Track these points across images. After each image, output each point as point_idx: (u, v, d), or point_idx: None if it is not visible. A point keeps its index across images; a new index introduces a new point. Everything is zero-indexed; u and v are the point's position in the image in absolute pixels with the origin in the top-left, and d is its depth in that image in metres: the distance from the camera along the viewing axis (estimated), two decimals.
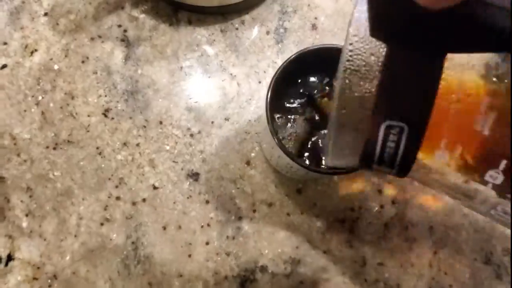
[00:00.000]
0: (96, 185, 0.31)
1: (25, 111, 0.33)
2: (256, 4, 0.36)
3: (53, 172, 0.32)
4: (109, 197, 0.31)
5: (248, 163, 0.32)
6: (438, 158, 0.15)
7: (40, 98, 0.33)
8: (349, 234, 0.31)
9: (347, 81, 0.16)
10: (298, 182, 0.32)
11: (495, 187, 0.15)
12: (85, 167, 0.32)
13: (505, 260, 0.31)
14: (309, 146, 0.27)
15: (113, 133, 0.32)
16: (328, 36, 0.35)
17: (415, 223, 0.32)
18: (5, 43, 0.34)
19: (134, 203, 0.31)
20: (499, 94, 0.15)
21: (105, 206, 0.31)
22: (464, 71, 0.15)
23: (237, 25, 0.35)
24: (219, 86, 0.34)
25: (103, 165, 0.32)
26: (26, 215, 0.31)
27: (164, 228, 0.31)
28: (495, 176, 0.14)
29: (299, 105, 0.28)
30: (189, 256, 0.30)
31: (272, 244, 0.31)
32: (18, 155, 0.32)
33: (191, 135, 0.33)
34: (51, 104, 0.33)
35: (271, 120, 0.24)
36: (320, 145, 0.27)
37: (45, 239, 0.30)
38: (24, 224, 0.31)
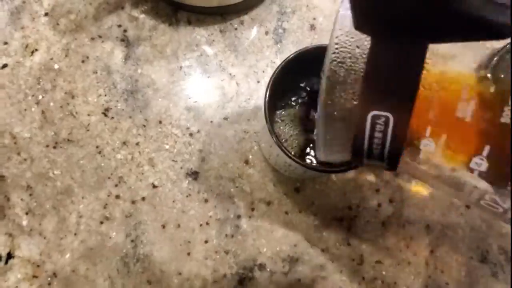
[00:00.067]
0: (95, 183, 0.32)
1: (25, 110, 0.33)
2: (255, 4, 0.36)
3: (53, 171, 0.32)
4: (108, 195, 0.31)
5: (246, 162, 0.32)
6: (424, 147, 0.16)
7: (40, 97, 0.33)
8: (347, 232, 0.31)
9: (333, 73, 0.16)
10: (296, 181, 0.32)
11: (481, 175, 0.15)
12: (85, 166, 0.32)
13: (501, 259, 0.31)
14: (307, 145, 0.28)
15: (113, 132, 0.33)
16: (327, 37, 0.35)
17: (412, 221, 0.32)
18: (5, 43, 0.34)
19: (133, 202, 0.31)
20: (481, 81, 0.15)
21: (104, 205, 0.31)
22: (446, 61, 0.16)
23: (236, 25, 0.36)
24: (218, 85, 0.34)
25: (102, 164, 0.32)
26: (26, 214, 0.31)
27: (163, 226, 0.31)
28: (480, 163, 0.15)
29: (297, 104, 0.28)
30: (188, 254, 0.30)
31: (270, 242, 0.31)
32: (18, 153, 0.32)
33: (190, 134, 0.33)
34: (51, 103, 0.33)
35: (269, 119, 0.24)
36: None
37: (45, 237, 0.30)
38: (24, 223, 0.31)
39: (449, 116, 0.15)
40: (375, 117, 0.16)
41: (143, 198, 0.31)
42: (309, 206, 0.32)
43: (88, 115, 0.33)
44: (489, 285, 0.31)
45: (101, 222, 0.31)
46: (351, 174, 0.33)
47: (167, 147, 0.33)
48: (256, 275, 0.30)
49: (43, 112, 0.33)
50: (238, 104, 0.34)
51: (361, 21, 0.15)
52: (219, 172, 0.32)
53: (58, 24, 0.35)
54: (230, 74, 0.34)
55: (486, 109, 0.15)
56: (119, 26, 0.35)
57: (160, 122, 0.33)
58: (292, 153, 0.26)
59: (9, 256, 0.30)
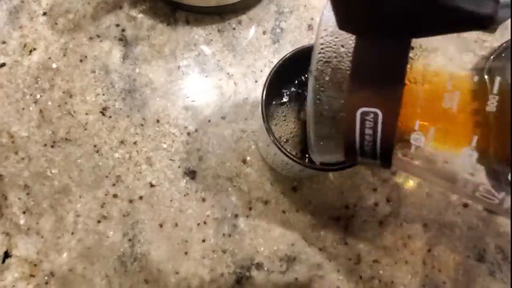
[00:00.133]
0: (93, 183, 0.32)
1: (23, 109, 0.33)
2: (253, 4, 0.36)
3: (50, 170, 0.32)
4: (106, 194, 0.31)
5: (244, 161, 0.32)
6: (414, 141, 0.16)
7: (38, 96, 0.33)
8: (344, 231, 0.32)
9: (320, 72, 0.17)
10: (293, 180, 0.32)
11: (473, 165, 0.15)
12: (83, 165, 0.32)
13: (498, 258, 0.31)
14: (304, 143, 0.28)
15: (111, 131, 0.33)
16: None
17: (409, 220, 0.32)
18: (4, 42, 0.34)
19: (131, 201, 0.31)
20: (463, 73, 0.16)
21: (102, 204, 0.31)
22: (429, 54, 0.16)
23: (234, 25, 0.36)
24: (216, 85, 0.34)
25: (100, 163, 0.32)
26: (24, 213, 0.31)
27: (161, 225, 0.31)
28: (470, 153, 0.15)
29: (294, 103, 0.28)
30: (186, 253, 0.30)
31: (267, 241, 0.31)
32: (16, 153, 0.32)
33: (188, 134, 0.33)
34: (49, 103, 0.33)
35: (266, 118, 0.24)
36: None
37: (42, 237, 0.30)
38: (22, 222, 0.31)
39: (436, 108, 0.15)
40: (364, 114, 0.16)
41: (141, 197, 0.31)
42: (306, 205, 0.32)
43: (86, 114, 0.33)
44: (486, 284, 0.31)
45: (99, 221, 0.31)
46: (348, 173, 0.33)
47: (164, 146, 0.33)
48: (253, 274, 0.30)
49: (41, 111, 0.33)
50: (236, 103, 0.34)
51: (344, 21, 0.15)
52: (216, 171, 0.32)
53: (56, 23, 0.35)
54: (228, 73, 0.35)
55: (471, 99, 0.15)
56: (117, 25, 0.35)
57: (158, 121, 0.33)
58: (289, 151, 0.26)
59: (6, 255, 0.30)
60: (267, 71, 0.35)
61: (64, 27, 0.35)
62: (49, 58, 0.34)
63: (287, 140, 0.29)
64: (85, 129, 0.33)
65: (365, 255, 0.31)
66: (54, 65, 0.34)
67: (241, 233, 0.31)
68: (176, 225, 0.31)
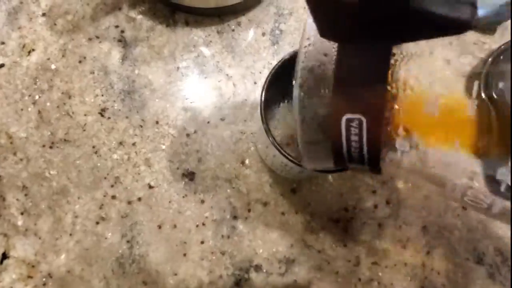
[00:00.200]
0: (92, 184, 0.32)
1: (21, 110, 0.33)
2: (252, 6, 0.36)
3: (49, 171, 0.32)
4: (104, 196, 0.31)
5: (243, 163, 0.32)
6: (399, 147, 0.16)
7: (37, 97, 0.33)
8: (343, 233, 0.31)
9: (304, 80, 0.17)
10: (292, 181, 0.32)
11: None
12: (81, 166, 0.32)
13: (497, 260, 0.31)
14: None
15: (110, 133, 0.33)
16: None
17: (408, 223, 0.32)
18: (2, 43, 0.34)
19: (129, 202, 0.31)
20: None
21: (100, 205, 0.31)
22: (413, 58, 0.16)
23: (233, 26, 0.36)
24: (215, 86, 0.34)
25: (99, 164, 0.32)
26: (22, 214, 0.31)
27: (160, 227, 0.31)
28: (455, 157, 0.15)
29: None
30: (184, 255, 0.30)
31: (266, 243, 0.31)
32: (14, 153, 0.32)
33: (187, 135, 0.33)
34: (48, 103, 0.33)
35: (265, 119, 0.24)
36: None
37: (40, 238, 0.30)
38: (20, 223, 0.31)
39: (419, 113, 0.15)
40: (349, 121, 0.16)
41: (139, 199, 0.31)
42: (305, 207, 0.32)
43: (85, 115, 0.33)
44: (485, 287, 0.31)
45: (97, 223, 0.31)
46: (347, 175, 0.33)
47: (163, 147, 0.33)
48: (252, 276, 0.30)
49: (39, 112, 0.33)
50: (235, 105, 0.34)
51: (325, 29, 0.15)
52: (215, 172, 0.32)
53: (55, 24, 0.35)
54: (227, 75, 0.35)
55: (454, 103, 0.15)
56: (117, 26, 0.35)
57: (157, 122, 0.33)
58: (288, 152, 0.26)
59: (4, 256, 0.30)
60: (266, 72, 0.35)
61: (63, 28, 0.35)
62: (48, 59, 0.34)
63: (286, 142, 0.29)
64: (84, 130, 0.33)
65: (364, 257, 0.31)
66: (53, 66, 0.34)
67: (240, 234, 0.31)
68: (175, 226, 0.31)
